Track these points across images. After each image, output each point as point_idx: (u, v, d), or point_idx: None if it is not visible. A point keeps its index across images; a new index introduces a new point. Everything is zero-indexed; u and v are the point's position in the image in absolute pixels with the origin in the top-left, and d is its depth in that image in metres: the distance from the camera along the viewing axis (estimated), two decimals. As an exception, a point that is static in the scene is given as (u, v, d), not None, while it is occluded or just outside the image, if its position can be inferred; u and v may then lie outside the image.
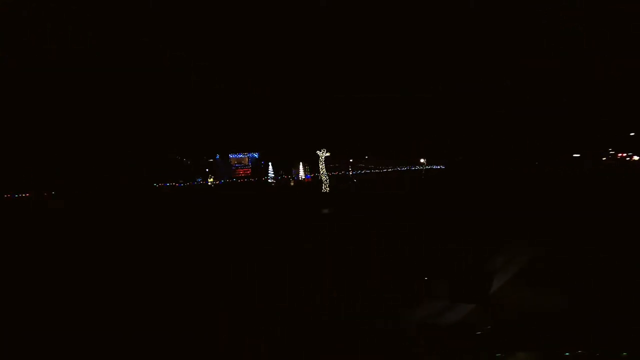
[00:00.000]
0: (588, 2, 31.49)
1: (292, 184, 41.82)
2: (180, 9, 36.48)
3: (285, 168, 50.75)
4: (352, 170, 53.79)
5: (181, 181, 47.54)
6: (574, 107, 35.90)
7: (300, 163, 49.37)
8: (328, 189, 38.14)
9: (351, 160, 54.14)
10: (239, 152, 52.87)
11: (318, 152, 37.83)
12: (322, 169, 38.72)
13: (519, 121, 38.29)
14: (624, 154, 35.94)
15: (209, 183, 51.84)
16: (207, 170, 53.18)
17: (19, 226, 30.25)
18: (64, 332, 9.75)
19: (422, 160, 53.17)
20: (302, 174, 49.07)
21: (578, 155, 38.02)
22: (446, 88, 39.85)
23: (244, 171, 51.10)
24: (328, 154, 37.96)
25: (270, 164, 51.20)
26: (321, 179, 39.05)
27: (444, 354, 7.93)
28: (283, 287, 11.99)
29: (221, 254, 16.79)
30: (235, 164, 51.78)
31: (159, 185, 45.58)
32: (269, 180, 49.06)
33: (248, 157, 50.88)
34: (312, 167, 52.72)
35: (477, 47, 36.79)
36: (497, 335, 8.26)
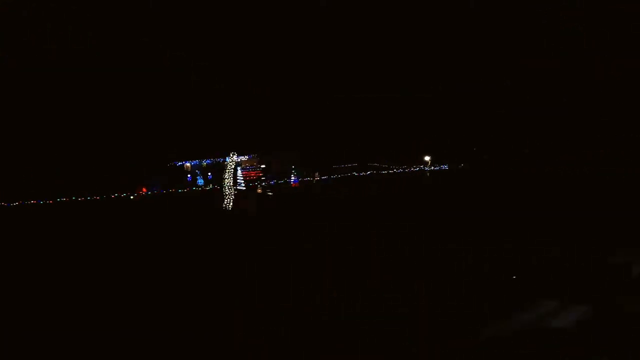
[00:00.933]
0: (588, 2, 31.45)
1: (259, 191, 34.38)
2: (180, 9, 36.48)
3: (281, 170, 47.91)
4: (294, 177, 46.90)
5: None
6: (574, 107, 35.84)
7: (293, 165, 44.92)
8: (231, 205, 30.57)
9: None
10: (249, 154, 51.08)
11: (229, 157, 30.98)
12: (226, 180, 31.36)
13: (519, 121, 38.24)
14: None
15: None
16: (197, 172, 50.68)
17: (18, 227, 30.24)
18: (65, 332, 9.76)
19: (426, 159, 48.12)
20: (292, 177, 44.98)
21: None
22: (446, 88, 39.80)
23: (256, 173, 50.03)
24: (244, 158, 30.71)
25: (239, 168, 46.54)
26: (224, 192, 31.07)
27: (444, 353, 7.92)
28: (283, 287, 12.00)
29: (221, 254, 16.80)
30: (247, 166, 50.59)
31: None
32: (238, 187, 43.44)
33: (245, 160, 49.22)
34: (312, 169, 48.17)
35: (477, 47, 36.77)
36: (616, 343, 7.85)
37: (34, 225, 30.24)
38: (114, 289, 13.08)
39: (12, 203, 37.49)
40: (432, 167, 48.94)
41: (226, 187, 30.95)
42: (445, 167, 48.63)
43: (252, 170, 52.01)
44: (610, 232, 16.05)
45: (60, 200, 39.35)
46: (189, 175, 49.73)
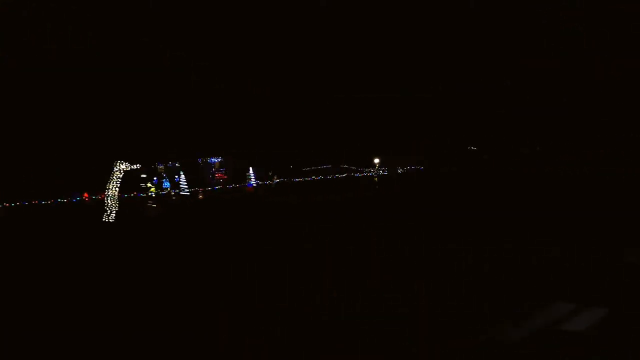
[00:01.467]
0: (588, 2, 31.46)
1: (200, 197, 33.38)
2: (180, 9, 36.50)
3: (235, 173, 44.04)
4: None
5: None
6: (574, 107, 35.88)
7: (251, 167, 41.58)
8: (113, 218, 27.43)
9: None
10: (213, 157, 47.96)
11: (116, 165, 27.86)
12: (111, 189, 28.30)
13: (519, 121, 38.28)
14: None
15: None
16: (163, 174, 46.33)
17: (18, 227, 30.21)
18: (64, 332, 9.74)
19: (375, 161, 45.74)
20: (251, 181, 41.75)
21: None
22: (446, 88, 39.78)
23: (220, 176, 47.73)
24: (137, 167, 28.45)
25: (181, 172, 42.58)
26: (106, 204, 27.83)
27: (444, 354, 7.92)
28: (283, 287, 12.00)
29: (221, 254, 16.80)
30: (213, 169, 48.65)
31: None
32: (182, 193, 40.07)
33: (220, 162, 46.81)
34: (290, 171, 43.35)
35: (477, 47, 36.77)
36: (616, 344, 7.63)
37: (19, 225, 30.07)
38: (109, 290, 13.06)
39: (11, 203, 37.39)
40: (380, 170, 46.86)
41: (109, 198, 28.18)
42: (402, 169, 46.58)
43: (217, 173, 49.98)
44: (611, 232, 16.09)
45: (59, 201, 39.25)
46: (154, 178, 46.01)
